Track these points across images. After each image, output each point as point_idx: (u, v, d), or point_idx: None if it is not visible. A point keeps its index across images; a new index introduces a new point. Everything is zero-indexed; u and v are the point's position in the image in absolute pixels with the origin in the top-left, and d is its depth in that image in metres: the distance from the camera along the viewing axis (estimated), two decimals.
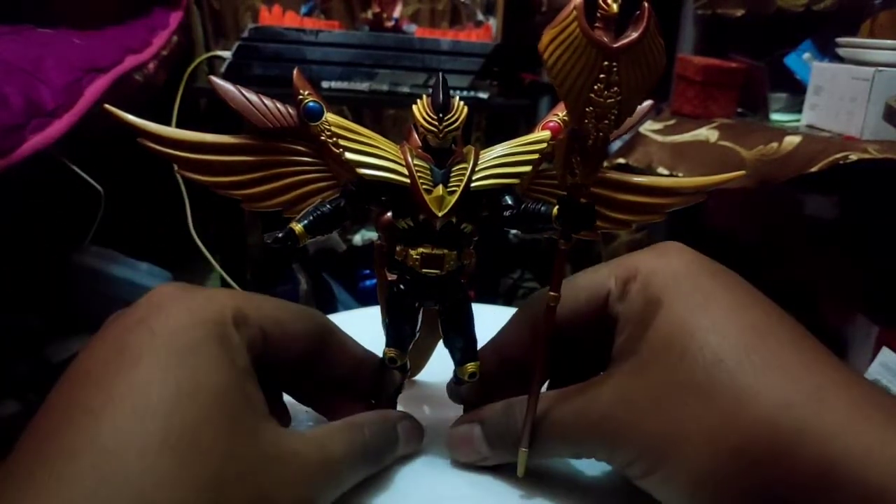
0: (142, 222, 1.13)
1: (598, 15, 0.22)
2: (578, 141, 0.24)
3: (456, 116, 0.28)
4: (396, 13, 1.29)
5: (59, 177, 0.83)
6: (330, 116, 0.29)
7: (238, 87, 0.29)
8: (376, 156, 0.28)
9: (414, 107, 0.28)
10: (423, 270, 0.29)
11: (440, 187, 0.28)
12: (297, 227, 0.28)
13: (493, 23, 1.43)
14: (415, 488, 0.31)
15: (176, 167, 0.28)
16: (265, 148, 0.29)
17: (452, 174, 0.28)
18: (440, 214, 0.28)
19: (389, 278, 0.31)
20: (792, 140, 0.81)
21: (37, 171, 0.75)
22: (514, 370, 0.31)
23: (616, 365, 0.28)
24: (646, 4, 0.23)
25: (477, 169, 0.29)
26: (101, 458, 0.20)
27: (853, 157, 0.72)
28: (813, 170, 0.75)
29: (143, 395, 0.22)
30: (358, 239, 1.39)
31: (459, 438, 0.31)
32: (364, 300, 1.28)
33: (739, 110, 1.07)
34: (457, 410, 0.34)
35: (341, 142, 0.28)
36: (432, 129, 0.28)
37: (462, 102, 0.28)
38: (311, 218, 0.28)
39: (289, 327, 0.28)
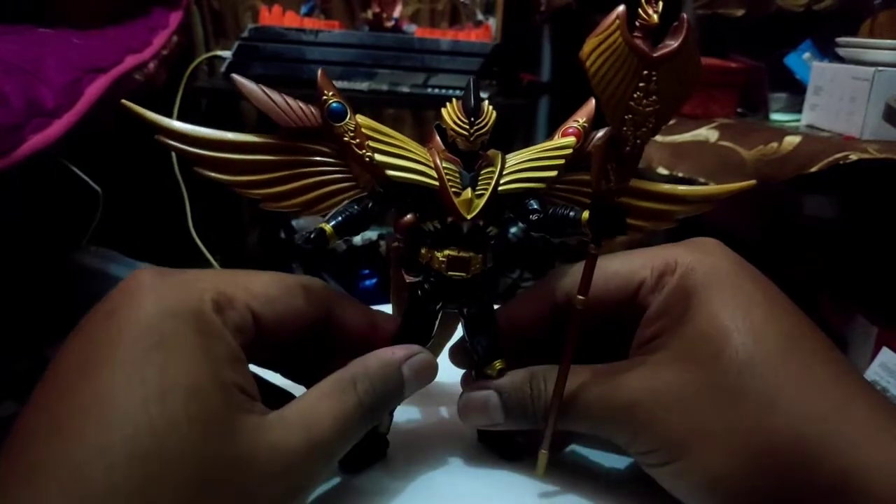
0: (141, 222, 1.13)
1: (638, 24, 0.23)
2: (616, 147, 0.25)
3: (486, 121, 0.28)
4: (396, 13, 1.29)
5: (59, 177, 0.83)
6: (360, 118, 0.28)
7: (261, 85, 0.28)
8: (405, 158, 0.28)
9: (444, 110, 0.28)
10: (449, 273, 0.29)
11: (468, 190, 0.28)
12: (327, 227, 0.27)
13: (493, 23, 1.43)
14: (431, 488, 0.30)
15: (195, 166, 0.28)
16: (287, 147, 0.29)
17: (480, 177, 0.28)
18: (468, 217, 0.28)
19: (408, 280, 0.31)
20: (792, 140, 0.81)
21: (36, 171, 0.75)
22: (525, 344, 0.31)
23: (646, 354, 0.28)
24: (684, 16, 0.24)
25: (504, 173, 0.29)
26: (68, 477, 0.19)
27: (853, 156, 0.72)
28: (813, 170, 0.75)
29: (108, 402, 0.21)
30: (358, 239, 1.39)
31: (474, 404, 0.31)
32: (364, 300, 1.27)
33: (739, 110, 1.07)
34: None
35: (371, 143, 0.28)
36: (463, 132, 0.28)
37: (491, 107, 0.28)
38: (340, 218, 0.28)
39: (283, 304, 0.27)
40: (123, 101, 0.27)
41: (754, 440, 0.24)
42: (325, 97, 0.29)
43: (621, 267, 0.30)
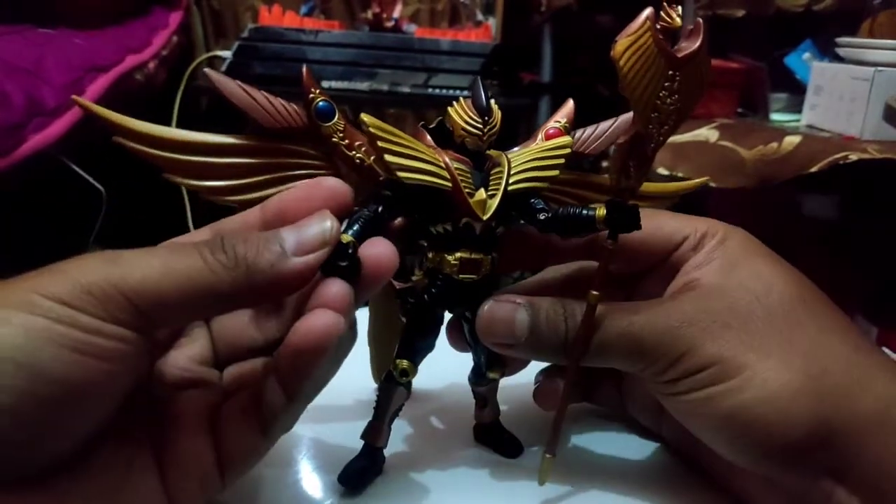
0: (144, 221, 1.13)
1: (659, 27, 0.24)
2: (640, 145, 0.25)
3: (496, 120, 0.28)
4: (396, 13, 1.29)
5: (61, 177, 0.83)
6: (366, 117, 0.26)
7: (240, 83, 0.27)
8: (416, 159, 0.26)
9: (451, 109, 0.28)
10: (461, 276, 0.28)
11: (482, 191, 0.27)
12: (346, 237, 0.25)
13: (493, 23, 1.43)
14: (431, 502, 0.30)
15: (164, 171, 0.26)
16: (266, 149, 0.27)
17: (491, 178, 0.28)
18: (485, 218, 0.27)
19: (398, 287, 0.30)
20: (792, 140, 0.81)
21: (38, 170, 0.75)
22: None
23: (691, 288, 0.28)
24: (700, 20, 0.25)
25: (511, 172, 0.28)
26: None
27: (853, 156, 0.72)
28: (813, 170, 0.75)
29: None
30: None
31: (499, 315, 0.28)
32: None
33: (740, 110, 1.07)
34: (464, 415, 0.34)
35: (380, 143, 0.26)
36: (476, 132, 0.27)
37: (497, 105, 0.28)
38: (357, 226, 0.26)
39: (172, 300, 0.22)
40: (74, 97, 0.26)
41: (810, 359, 0.26)
42: (311, 96, 0.27)
43: (668, 221, 0.31)
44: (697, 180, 0.36)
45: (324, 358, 0.23)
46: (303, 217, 0.24)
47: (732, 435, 0.26)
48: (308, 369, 0.24)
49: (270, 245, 0.23)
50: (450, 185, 0.27)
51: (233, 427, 0.25)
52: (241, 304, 0.23)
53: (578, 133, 0.32)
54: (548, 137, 0.31)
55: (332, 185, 0.26)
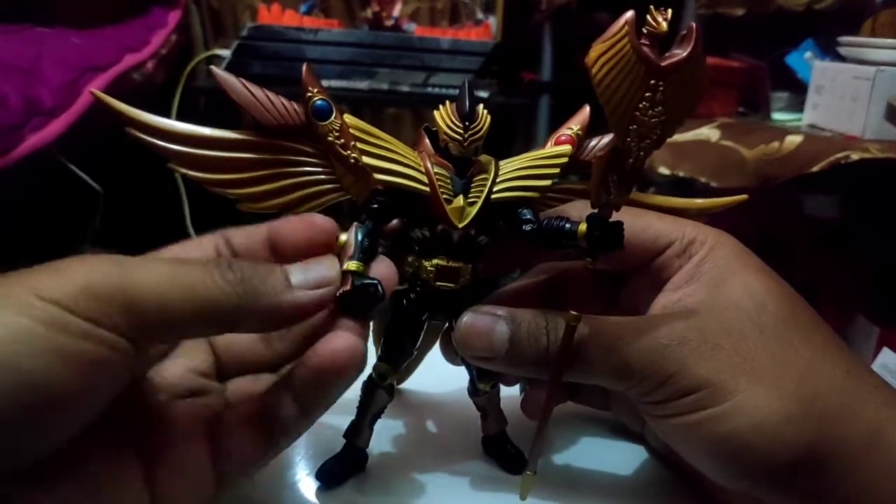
0: (141, 222, 1.13)
1: (645, 32, 0.22)
2: (618, 159, 0.24)
3: (480, 125, 0.27)
4: (396, 12, 1.29)
5: (58, 177, 0.83)
6: (348, 118, 0.27)
7: (241, 79, 0.27)
8: (395, 161, 0.26)
9: (437, 112, 0.27)
10: (437, 283, 0.28)
11: (460, 198, 0.27)
12: (353, 265, 0.25)
13: (493, 21, 1.43)
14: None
15: (169, 162, 0.27)
16: (267, 146, 0.28)
17: (473, 184, 0.27)
18: (460, 226, 0.27)
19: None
20: (793, 139, 0.81)
21: (36, 170, 0.74)
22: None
23: (681, 304, 0.28)
24: (693, 25, 0.23)
25: (497, 180, 0.28)
26: None
27: (854, 156, 0.72)
28: (814, 169, 0.75)
29: None
30: None
31: (478, 328, 0.27)
32: None
33: (741, 109, 1.07)
34: (461, 419, 0.33)
35: (359, 145, 0.26)
36: (456, 137, 0.27)
37: (486, 111, 0.27)
38: (360, 254, 0.25)
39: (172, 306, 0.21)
40: (93, 90, 0.26)
41: (801, 383, 0.25)
42: (309, 94, 0.27)
43: (655, 223, 0.30)
44: (735, 198, 0.34)
45: (347, 378, 0.24)
46: (300, 241, 0.26)
47: (718, 459, 0.25)
48: (329, 389, 0.24)
49: (278, 274, 0.23)
50: (427, 189, 0.27)
51: (236, 436, 0.25)
52: (239, 328, 0.23)
53: (594, 142, 0.31)
54: (558, 144, 0.30)
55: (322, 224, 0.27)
